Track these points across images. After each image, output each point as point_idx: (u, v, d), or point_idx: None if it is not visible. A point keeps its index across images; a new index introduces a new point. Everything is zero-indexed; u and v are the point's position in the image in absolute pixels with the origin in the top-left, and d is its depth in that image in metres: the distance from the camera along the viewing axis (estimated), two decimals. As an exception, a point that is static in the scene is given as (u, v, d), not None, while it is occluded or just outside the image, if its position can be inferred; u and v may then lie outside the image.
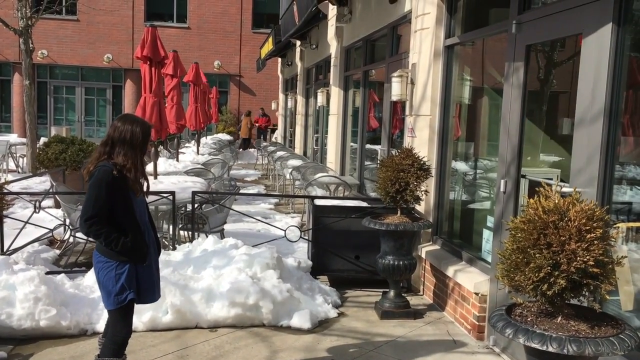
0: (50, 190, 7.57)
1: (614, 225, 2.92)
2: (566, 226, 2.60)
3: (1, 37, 22.45)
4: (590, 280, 2.58)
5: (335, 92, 10.99)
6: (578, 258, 2.55)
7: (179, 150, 12.17)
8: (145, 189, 3.64)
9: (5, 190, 6.62)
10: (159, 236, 3.99)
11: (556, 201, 2.70)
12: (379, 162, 5.78)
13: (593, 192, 3.57)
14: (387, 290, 5.48)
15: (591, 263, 2.53)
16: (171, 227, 6.50)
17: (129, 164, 3.38)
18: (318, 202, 6.58)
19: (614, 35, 3.48)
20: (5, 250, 6.15)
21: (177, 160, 10.89)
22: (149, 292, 3.58)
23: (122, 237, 3.34)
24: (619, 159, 3.68)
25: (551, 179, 4.45)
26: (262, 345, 4.64)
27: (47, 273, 5.29)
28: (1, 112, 24.91)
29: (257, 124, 23.86)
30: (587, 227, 2.58)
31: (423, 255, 5.99)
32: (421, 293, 6.12)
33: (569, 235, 2.58)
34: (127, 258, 3.38)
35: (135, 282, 3.44)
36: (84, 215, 3.32)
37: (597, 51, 3.60)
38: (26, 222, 6.54)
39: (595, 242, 2.55)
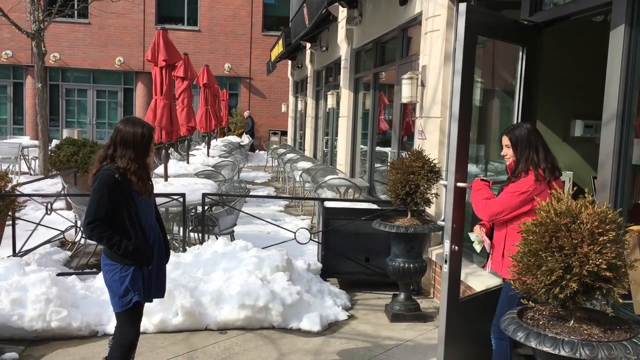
0: (62, 192, 7.62)
1: (627, 228, 2.88)
2: (578, 229, 2.57)
3: (14, 41, 22.68)
4: (602, 283, 2.55)
5: (345, 95, 10.98)
6: (590, 261, 2.52)
7: (189, 153, 12.19)
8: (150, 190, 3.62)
9: (18, 192, 6.67)
10: (168, 238, 3.98)
11: (568, 204, 2.67)
12: (389, 164, 5.76)
13: (606, 194, 3.54)
14: (397, 292, 5.46)
15: (604, 266, 2.50)
16: (181, 229, 6.52)
17: (132, 167, 3.36)
18: (328, 204, 6.58)
19: (627, 37, 3.45)
20: (17, 251, 6.19)
21: (188, 163, 10.90)
22: (155, 292, 3.59)
23: (125, 240, 3.33)
24: (632, 162, 3.64)
25: (563, 181, 4.41)
26: (272, 347, 4.64)
27: (59, 274, 5.34)
28: (14, 114, 25.11)
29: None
30: (600, 230, 2.55)
31: (433, 258, 5.96)
32: (431, 296, 6.09)
33: (581, 238, 2.55)
34: (130, 261, 3.38)
35: (141, 284, 3.43)
36: (87, 219, 3.33)
37: (610, 53, 3.56)
38: (38, 224, 6.60)
39: (608, 245, 2.52)
